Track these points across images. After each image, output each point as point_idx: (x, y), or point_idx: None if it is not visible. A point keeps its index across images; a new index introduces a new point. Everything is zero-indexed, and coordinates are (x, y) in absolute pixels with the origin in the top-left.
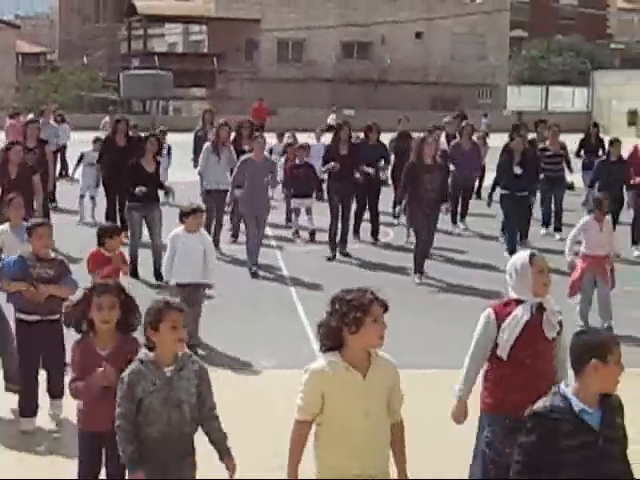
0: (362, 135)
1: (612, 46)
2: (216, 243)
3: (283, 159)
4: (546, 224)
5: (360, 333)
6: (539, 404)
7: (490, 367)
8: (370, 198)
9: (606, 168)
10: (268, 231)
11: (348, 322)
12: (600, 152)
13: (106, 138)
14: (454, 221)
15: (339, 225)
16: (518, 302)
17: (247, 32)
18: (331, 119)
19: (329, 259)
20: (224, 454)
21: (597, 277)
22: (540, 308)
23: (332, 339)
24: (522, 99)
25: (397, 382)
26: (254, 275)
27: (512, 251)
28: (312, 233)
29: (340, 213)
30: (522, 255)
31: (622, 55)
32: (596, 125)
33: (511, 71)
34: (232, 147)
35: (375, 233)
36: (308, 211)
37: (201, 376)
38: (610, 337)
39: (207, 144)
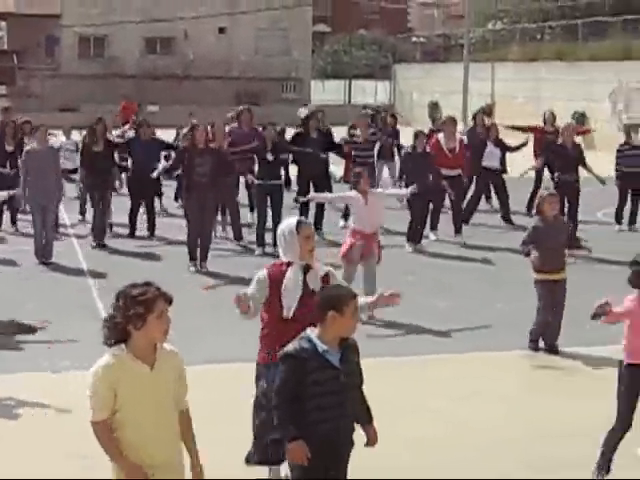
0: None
1: (413, 40)
2: None
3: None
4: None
5: (144, 329)
6: (289, 347)
7: (266, 323)
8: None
9: (412, 159)
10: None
11: (132, 318)
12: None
13: None
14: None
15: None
16: (288, 264)
17: (47, 28)
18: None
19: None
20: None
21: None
22: (307, 268)
23: (117, 334)
24: (326, 93)
25: (183, 372)
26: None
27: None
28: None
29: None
30: (291, 222)
31: (423, 49)
32: (393, 115)
33: (315, 65)
34: None
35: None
36: None
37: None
38: (347, 292)
39: None
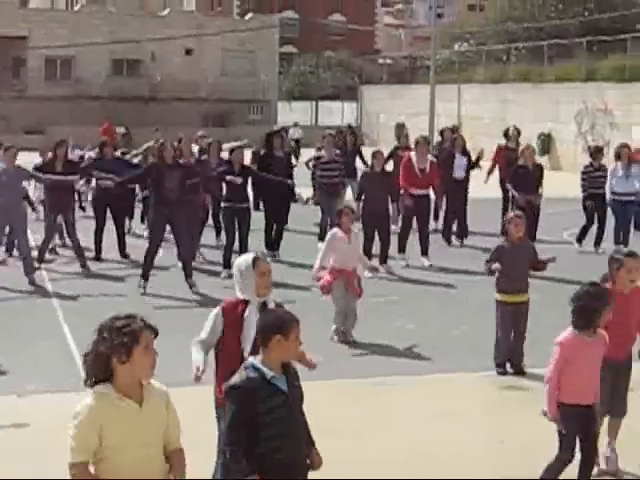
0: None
1: (380, 61)
2: None
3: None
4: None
5: (130, 363)
6: (235, 379)
7: (221, 363)
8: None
9: (370, 179)
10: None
11: (117, 349)
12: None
13: None
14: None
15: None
16: (245, 302)
17: (14, 50)
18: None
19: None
20: None
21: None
22: (264, 306)
23: (101, 369)
24: (293, 114)
25: (173, 409)
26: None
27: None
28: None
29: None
30: (247, 258)
31: (389, 70)
32: (354, 134)
33: (282, 87)
34: None
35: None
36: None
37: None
38: (290, 316)
39: None
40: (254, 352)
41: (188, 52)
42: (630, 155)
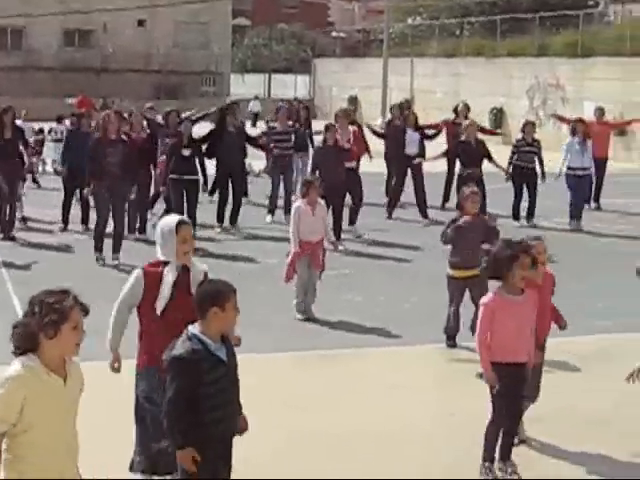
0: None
1: (333, 34)
2: None
3: None
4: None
5: (57, 339)
6: (178, 350)
7: (144, 325)
8: None
9: (323, 153)
10: None
11: (46, 325)
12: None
13: None
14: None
15: None
16: (165, 263)
17: None
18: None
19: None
20: None
21: (310, 262)
22: (185, 268)
23: (28, 341)
24: (246, 87)
25: (83, 385)
26: None
27: None
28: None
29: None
30: (170, 221)
31: (342, 43)
32: (307, 107)
33: (234, 59)
34: None
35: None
36: None
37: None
38: (226, 286)
39: None
40: (165, 313)
41: (140, 23)
42: (585, 130)
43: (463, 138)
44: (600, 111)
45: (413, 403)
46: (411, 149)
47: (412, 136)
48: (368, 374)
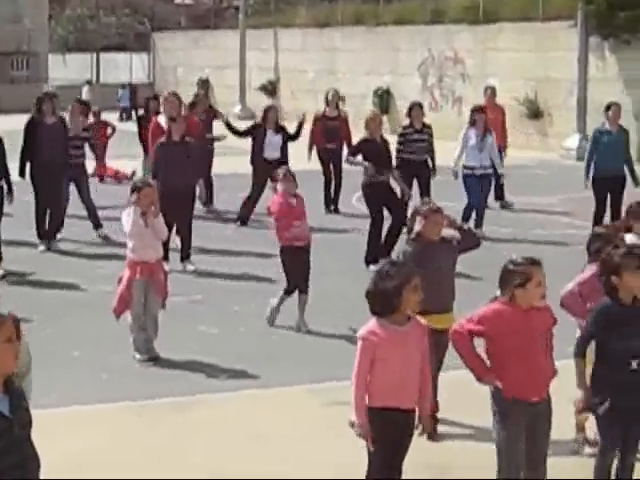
0: None
1: (177, 1)
2: None
3: None
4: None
5: None
6: None
7: None
8: None
9: (166, 150)
10: None
11: None
12: None
13: None
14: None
15: None
16: None
17: None
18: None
19: None
20: None
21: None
22: None
23: None
24: (68, 70)
25: None
26: None
27: None
28: None
29: None
30: None
31: (188, 13)
32: (156, 97)
33: (53, 35)
34: None
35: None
36: None
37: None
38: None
39: None
40: None
41: None
42: (485, 121)
43: (367, 136)
44: (491, 90)
45: (278, 457)
46: (269, 153)
47: (271, 137)
48: (225, 423)
